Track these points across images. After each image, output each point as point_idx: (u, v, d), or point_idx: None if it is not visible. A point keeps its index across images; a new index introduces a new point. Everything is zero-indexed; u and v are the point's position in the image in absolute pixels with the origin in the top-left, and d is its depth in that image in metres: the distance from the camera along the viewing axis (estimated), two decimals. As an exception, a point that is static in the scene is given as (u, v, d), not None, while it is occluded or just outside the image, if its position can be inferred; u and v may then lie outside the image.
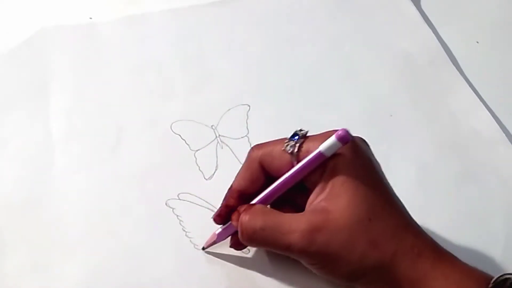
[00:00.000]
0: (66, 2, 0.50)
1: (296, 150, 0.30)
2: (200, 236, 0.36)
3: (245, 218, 0.31)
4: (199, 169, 0.39)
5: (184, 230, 0.36)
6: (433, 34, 0.50)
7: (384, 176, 0.31)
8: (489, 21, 0.53)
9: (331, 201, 0.29)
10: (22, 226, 0.36)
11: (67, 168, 0.39)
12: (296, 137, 0.31)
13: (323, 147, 0.29)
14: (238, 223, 0.31)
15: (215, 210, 0.37)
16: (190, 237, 0.36)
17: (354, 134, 0.30)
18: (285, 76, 0.46)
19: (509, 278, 0.27)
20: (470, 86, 0.46)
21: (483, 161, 0.41)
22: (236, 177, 0.33)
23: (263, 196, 0.32)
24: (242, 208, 0.32)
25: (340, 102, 0.44)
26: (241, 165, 0.40)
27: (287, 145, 0.31)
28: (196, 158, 0.40)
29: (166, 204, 0.37)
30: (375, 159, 0.32)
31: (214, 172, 0.39)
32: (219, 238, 0.34)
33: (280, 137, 0.39)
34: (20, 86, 0.43)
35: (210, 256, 0.35)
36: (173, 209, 0.37)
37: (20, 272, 0.34)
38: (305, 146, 0.30)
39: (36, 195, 0.37)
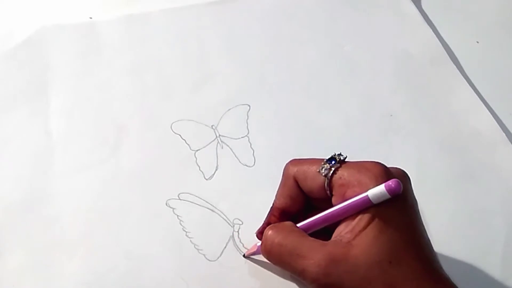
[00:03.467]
0: (66, 1, 0.50)
1: (330, 174, 0.30)
2: (200, 236, 0.36)
3: (268, 231, 0.31)
4: (199, 169, 0.39)
5: (184, 230, 0.36)
6: (433, 34, 0.50)
7: (419, 217, 0.30)
8: (489, 21, 0.53)
9: (356, 236, 0.28)
10: (22, 226, 0.36)
11: (67, 168, 0.39)
12: (333, 162, 0.30)
13: (372, 195, 0.28)
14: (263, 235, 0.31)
15: (215, 210, 0.37)
16: (190, 237, 0.36)
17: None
18: (285, 76, 0.46)
19: None
20: (470, 85, 0.46)
21: (483, 161, 0.41)
22: (276, 194, 0.33)
23: (302, 225, 0.31)
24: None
25: (340, 102, 0.44)
26: (241, 165, 0.40)
27: (322, 168, 0.30)
28: (196, 158, 0.40)
29: (166, 204, 0.37)
30: (413, 198, 0.30)
31: (215, 172, 0.39)
32: (258, 250, 0.34)
33: (283, 138, 0.39)
34: (20, 86, 0.43)
35: (209, 256, 0.35)
36: (173, 209, 0.37)
37: (20, 272, 0.34)
38: (339, 172, 0.30)
39: (36, 195, 0.37)
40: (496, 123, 0.43)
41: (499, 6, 0.54)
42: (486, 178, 0.40)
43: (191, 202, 0.37)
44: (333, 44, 0.48)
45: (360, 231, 0.28)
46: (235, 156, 0.40)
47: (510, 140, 0.42)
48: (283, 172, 0.33)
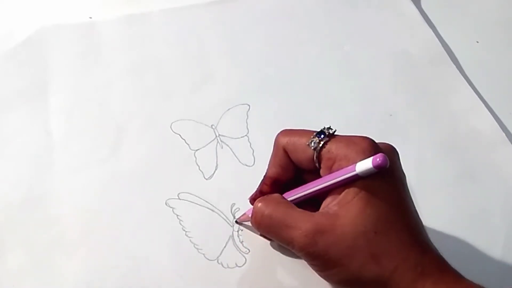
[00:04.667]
0: (66, 2, 0.50)
1: (319, 147, 0.31)
2: (200, 235, 0.36)
3: (258, 203, 0.32)
4: (199, 168, 0.39)
5: (184, 230, 0.36)
6: (433, 34, 0.50)
7: (407, 189, 0.31)
8: (489, 21, 0.53)
9: (343, 207, 0.29)
10: (22, 226, 0.36)
11: (67, 167, 0.39)
12: (322, 135, 0.31)
13: (359, 169, 0.28)
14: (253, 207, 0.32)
15: (215, 210, 0.37)
16: (190, 237, 0.36)
17: (379, 142, 0.31)
18: (285, 76, 0.46)
19: None
20: (470, 86, 0.46)
21: (483, 161, 0.41)
22: (268, 163, 0.34)
23: (290, 198, 0.32)
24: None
25: (340, 102, 0.44)
26: (240, 165, 0.40)
27: (312, 141, 0.31)
28: (196, 158, 0.40)
29: (166, 203, 0.37)
30: (401, 171, 0.31)
31: (214, 171, 0.39)
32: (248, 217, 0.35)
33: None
34: (20, 86, 0.43)
35: (209, 255, 0.35)
36: (173, 208, 0.37)
37: (20, 272, 0.34)
38: (328, 146, 0.30)
39: (36, 195, 0.37)
40: (496, 123, 0.43)
41: (499, 6, 0.54)
42: (486, 178, 0.40)
43: (190, 201, 0.37)
44: (333, 44, 0.48)
45: (347, 203, 0.29)
46: (235, 155, 0.40)
47: (510, 140, 0.42)
48: (274, 142, 0.33)
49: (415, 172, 0.40)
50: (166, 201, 0.37)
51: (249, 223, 0.36)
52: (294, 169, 0.33)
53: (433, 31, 0.50)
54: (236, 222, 0.36)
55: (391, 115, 0.44)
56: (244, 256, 0.35)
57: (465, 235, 0.37)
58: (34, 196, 0.37)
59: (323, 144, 0.30)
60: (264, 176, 0.34)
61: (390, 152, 0.31)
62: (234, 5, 0.51)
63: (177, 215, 0.37)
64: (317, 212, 0.30)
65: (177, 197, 0.37)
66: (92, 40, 0.47)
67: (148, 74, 0.45)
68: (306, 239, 0.29)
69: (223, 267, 0.34)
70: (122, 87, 0.44)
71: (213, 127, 0.42)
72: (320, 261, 0.29)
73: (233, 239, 0.36)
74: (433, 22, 0.52)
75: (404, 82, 0.46)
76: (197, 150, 0.40)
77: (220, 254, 0.35)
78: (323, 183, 0.30)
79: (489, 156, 0.41)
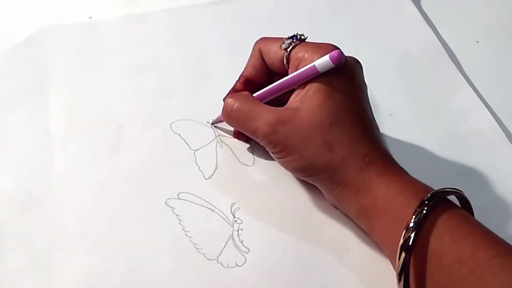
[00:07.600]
0: (66, 2, 0.50)
1: (289, 48, 0.34)
2: (200, 235, 0.36)
3: (228, 99, 0.36)
4: (199, 168, 0.39)
5: (184, 230, 0.36)
6: (433, 34, 0.50)
7: (366, 96, 0.34)
8: (489, 21, 0.53)
9: (303, 102, 0.32)
10: (22, 226, 0.36)
11: (67, 167, 0.39)
12: (294, 39, 0.34)
13: (317, 63, 0.31)
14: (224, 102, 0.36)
15: (215, 210, 0.37)
16: (189, 237, 0.36)
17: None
18: (285, 76, 0.46)
19: (447, 191, 0.30)
20: (470, 85, 0.46)
21: (483, 160, 0.41)
22: (245, 65, 0.38)
23: (259, 94, 0.36)
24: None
25: (340, 101, 0.44)
26: (240, 164, 0.40)
27: (284, 43, 0.34)
28: (195, 158, 0.40)
29: (165, 203, 0.37)
30: (362, 80, 0.35)
31: (214, 171, 0.39)
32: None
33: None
34: (20, 86, 0.43)
35: (209, 255, 0.35)
36: (172, 208, 0.37)
37: (20, 272, 0.34)
38: (297, 48, 0.34)
39: (36, 195, 0.37)
40: (496, 123, 0.43)
41: (499, 6, 0.54)
42: (486, 178, 0.40)
43: (190, 201, 0.37)
44: (333, 43, 0.48)
45: (308, 98, 0.32)
46: (235, 155, 0.40)
47: (510, 140, 0.42)
48: (253, 46, 0.37)
49: (415, 172, 0.40)
50: (166, 201, 0.37)
51: (223, 125, 0.40)
52: (267, 72, 0.37)
53: (433, 31, 0.50)
54: (212, 124, 0.41)
55: (391, 115, 0.44)
56: (244, 256, 0.35)
57: (465, 235, 0.37)
58: (34, 196, 0.37)
59: (293, 46, 0.34)
60: (240, 75, 0.38)
61: (354, 63, 0.35)
62: (234, 5, 0.51)
63: (177, 215, 0.37)
64: (280, 107, 0.33)
65: (177, 197, 0.37)
66: (92, 40, 0.47)
67: (148, 74, 0.45)
68: (268, 128, 0.33)
69: (223, 266, 0.34)
70: (122, 87, 0.44)
71: (213, 127, 0.42)
72: (280, 148, 0.33)
73: (233, 239, 0.36)
74: (433, 22, 0.52)
75: (404, 81, 0.46)
76: (197, 150, 0.40)
77: (220, 253, 0.35)
78: (287, 81, 0.33)
79: (489, 156, 0.41)
